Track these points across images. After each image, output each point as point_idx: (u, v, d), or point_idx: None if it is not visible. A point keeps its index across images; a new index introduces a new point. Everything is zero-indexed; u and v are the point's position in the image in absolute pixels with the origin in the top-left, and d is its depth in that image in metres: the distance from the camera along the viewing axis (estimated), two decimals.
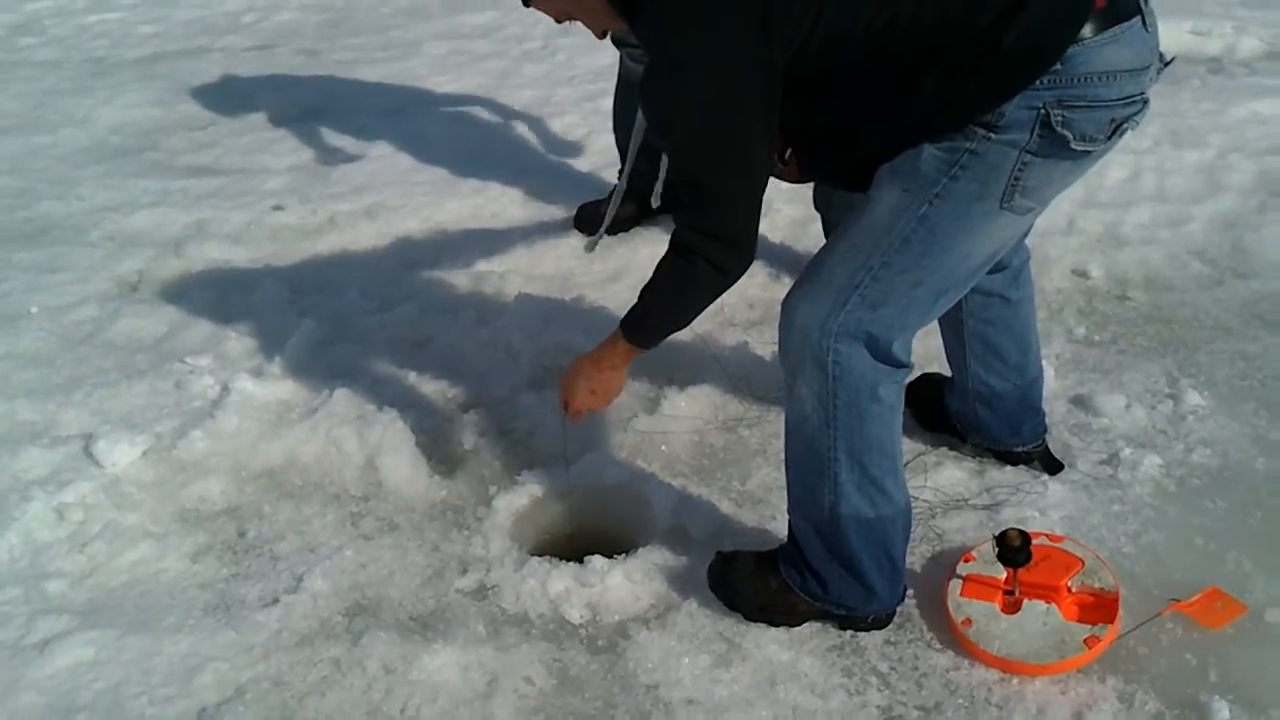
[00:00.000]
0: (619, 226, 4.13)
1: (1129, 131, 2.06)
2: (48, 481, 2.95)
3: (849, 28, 1.95)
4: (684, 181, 2.12)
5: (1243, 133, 4.69)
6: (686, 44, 1.97)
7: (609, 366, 2.47)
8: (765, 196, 2.14)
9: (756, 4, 1.92)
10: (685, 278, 2.20)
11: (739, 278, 2.19)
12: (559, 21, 2.30)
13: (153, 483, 2.98)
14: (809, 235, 3.93)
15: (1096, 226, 4.03)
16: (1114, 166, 4.30)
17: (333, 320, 3.66)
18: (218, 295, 3.85)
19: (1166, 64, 2.13)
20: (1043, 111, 1.96)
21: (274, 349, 3.46)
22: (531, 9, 2.29)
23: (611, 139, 4.25)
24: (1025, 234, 2.53)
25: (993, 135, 1.99)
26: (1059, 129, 1.97)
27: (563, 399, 2.57)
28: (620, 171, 4.19)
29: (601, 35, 2.31)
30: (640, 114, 2.40)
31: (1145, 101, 2.05)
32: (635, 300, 2.32)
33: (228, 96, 5.77)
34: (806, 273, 2.23)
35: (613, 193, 4.19)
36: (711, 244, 2.13)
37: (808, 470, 2.30)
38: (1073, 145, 1.99)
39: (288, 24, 7.11)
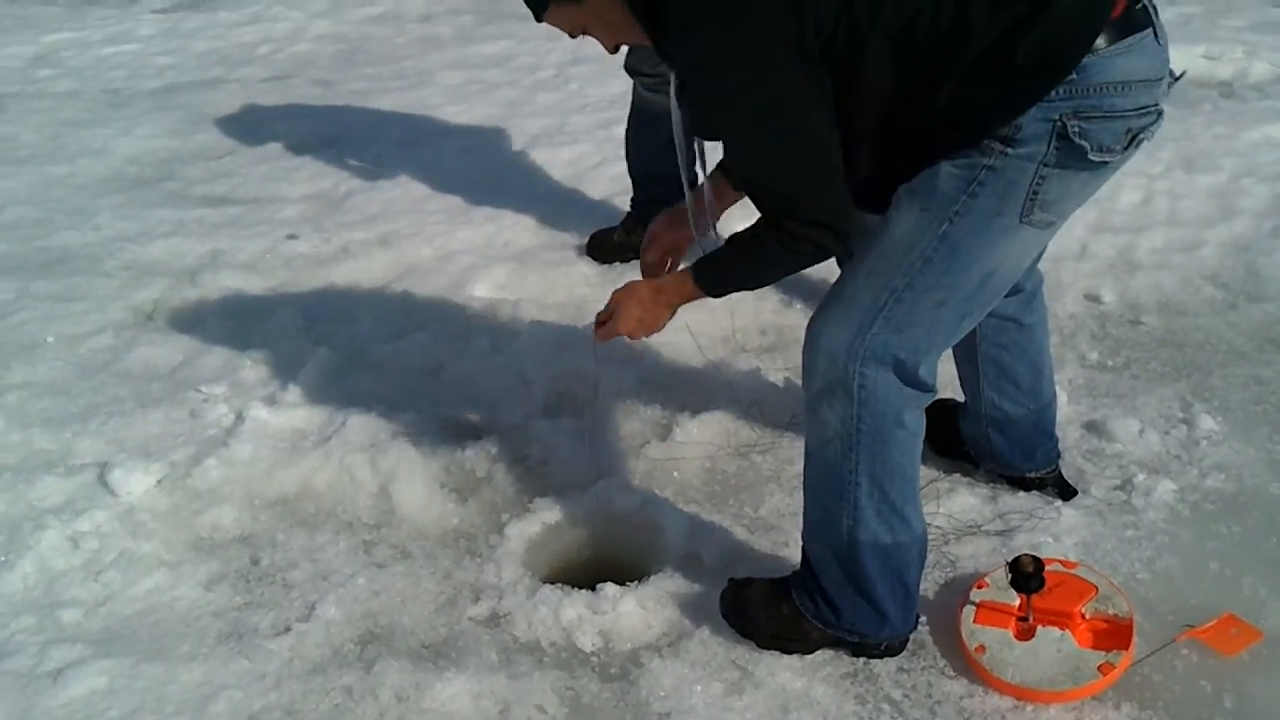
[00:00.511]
0: (632, 254, 4.14)
1: (1145, 142, 2.06)
2: (63, 510, 2.96)
3: (872, 20, 1.94)
4: (759, 186, 2.11)
5: (1255, 157, 4.69)
6: (717, 43, 1.96)
7: (666, 303, 2.41)
8: None
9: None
10: (787, 252, 2.14)
11: (838, 252, 2.17)
12: (573, 36, 2.28)
13: (167, 511, 2.99)
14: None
15: (1109, 251, 4.02)
16: (1126, 191, 4.30)
17: (347, 348, 3.67)
18: (232, 324, 3.87)
19: (1177, 78, 2.13)
20: (1059, 123, 1.96)
21: (288, 377, 3.47)
22: (544, 23, 2.26)
23: (624, 166, 4.27)
24: (1038, 258, 2.53)
25: (1010, 150, 1.99)
26: (1076, 140, 1.97)
27: (605, 315, 2.49)
28: (632, 200, 4.21)
29: (613, 50, 2.29)
30: (678, 137, 2.38)
31: (1160, 112, 2.06)
32: (721, 249, 2.26)
33: (243, 127, 5.82)
34: (829, 297, 2.23)
35: (626, 224, 4.21)
36: (817, 231, 2.09)
37: (828, 495, 2.30)
38: (1090, 156, 1.99)
39: (303, 55, 7.17)
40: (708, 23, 1.98)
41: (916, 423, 2.25)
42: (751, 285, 2.35)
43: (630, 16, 2.13)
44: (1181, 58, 5.66)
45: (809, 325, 2.23)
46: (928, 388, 2.22)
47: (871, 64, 1.99)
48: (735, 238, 2.22)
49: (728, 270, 2.28)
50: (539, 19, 2.23)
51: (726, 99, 2.04)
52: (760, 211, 2.15)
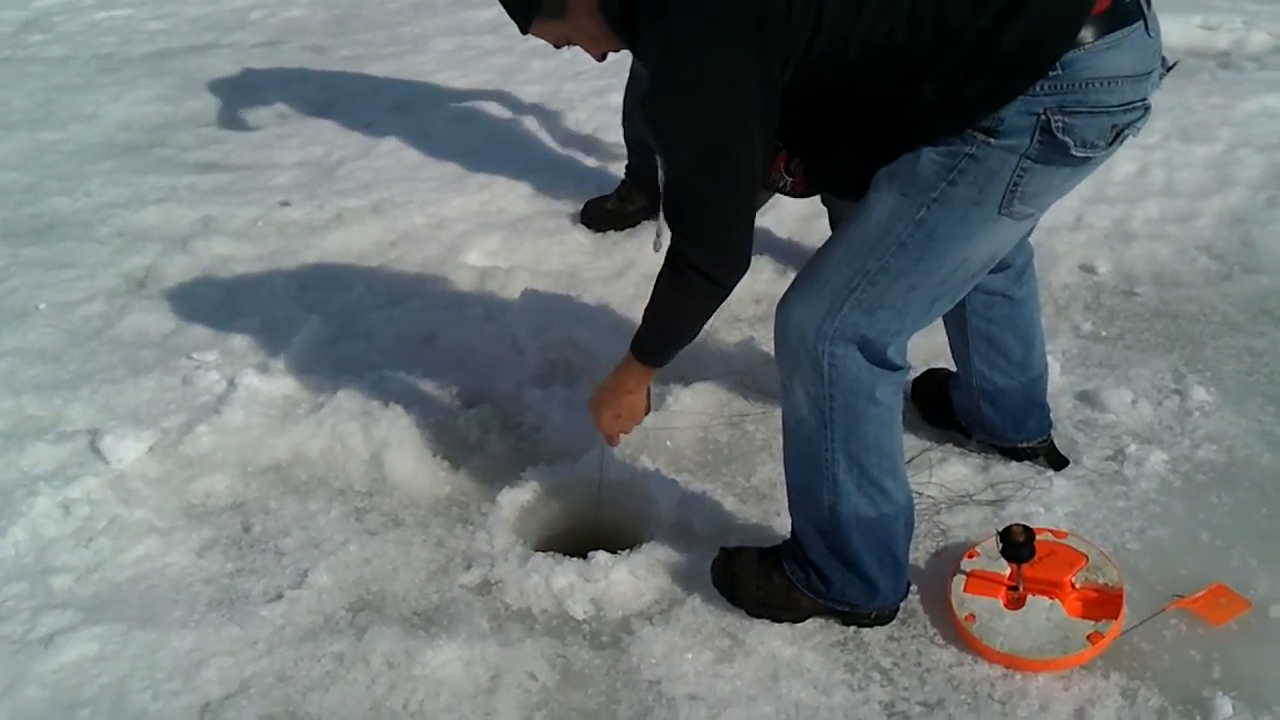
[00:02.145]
0: (626, 222, 4.14)
1: (1130, 138, 2.05)
2: (54, 476, 2.96)
3: (846, 42, 1.95)
4: (682, 194, 2.12)
5: (1252, 127, 4.67)
6: (686, 67, 1.97)
7: (626, 390, 2.46)
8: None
9: (752, 24, 1.92)
10: (680, 292, 2.19)
11: (734, 287, 2.18)
12: (558, 47, 2.28)
13: (158, 478, 2.99)
14: (815, 231, 3.92)
15: (1104, 222, 4.01)
16: (1122, 161, 4.28)
17: (339, 316, 3.66)
18: (225, 291, 3.87)
19: (1169, 69, 2.12)
20: (1043, 117, 1.94)
21: (280, 345, 3.46)
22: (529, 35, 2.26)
23: (619, 134, 4.25)
24: (1028, 233, 2.52)
25: (992, 140, 1.97)
26: (1059, 135, 1.95)
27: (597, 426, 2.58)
28: (627, 167, 4.19)
29: (601, 58, 2.29)
30: None
31: (1147, 108, 2.04)
32: (640, 322, 2.33)
33: (236, 93, 5.79)
34: (802, 275, 2.22)
35: (620, 192, 4.20)
36: (705, 256, 2.13)
37: (806, 471, 2.30)
38: (1073, 151, 1.98)
39: (295, 20, 7.12)
40: (672, 44, 1.99)
41: (891, 397, 2.24)
42: (675, 340, 2.34)
43: (610, 30, 2.14)
44: (1179, 27, 5.71)
45: (780, 303, 2.23)
46: (896, 367, 2.21)
47: (852, 72, 2.00)
48: (646, 307, 2.28)
49: (650, 338, 2.33)
50: (524, 31, 2.23)
51: (675, 116, 2.03)
52: (665, 217, 2.18)
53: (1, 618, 2.56)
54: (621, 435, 2.57)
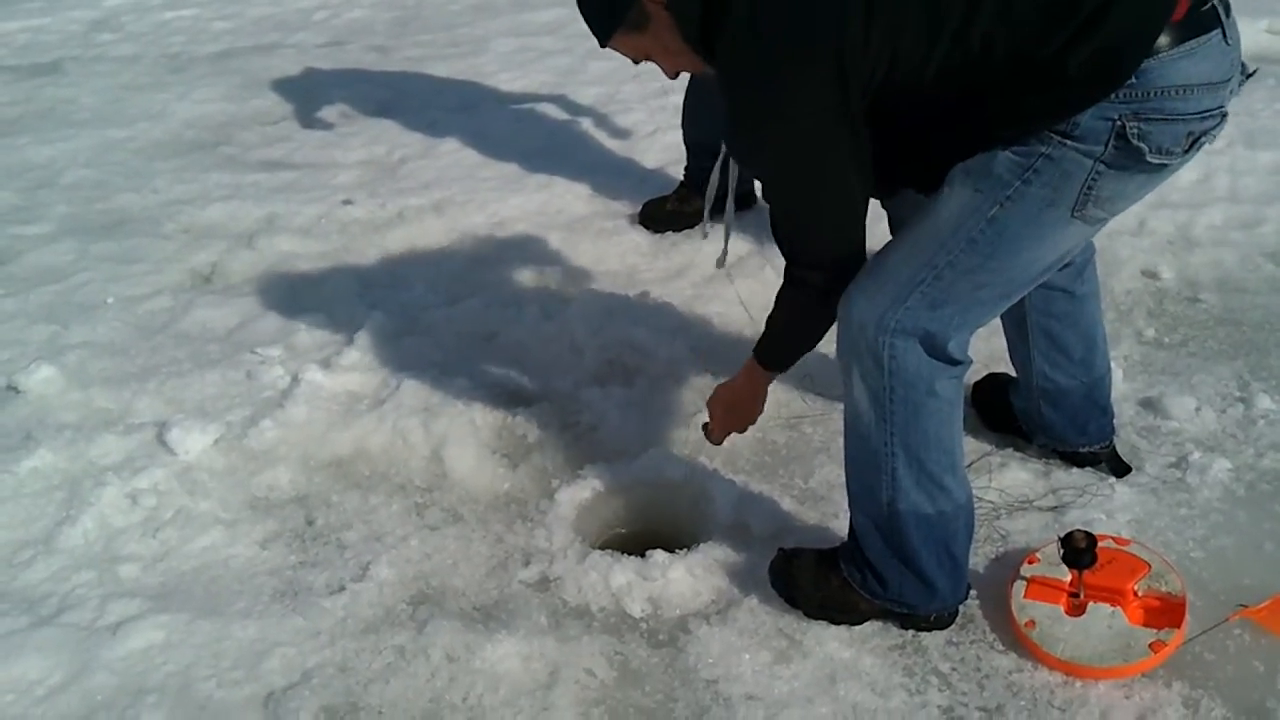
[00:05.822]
0: (684, 223, 4.14)
1: (1206, 145, 2.03)
2: (122, 467, 3.01)
3: (922, 68, 1.95)
4: (783, 222, 2.18)
5: None
6: (766, 101, 1.98)
7: (749, 394, 2.54)
8: None
9: (832, 56, 1.92)
10: (799, 307, 2.28)
11: None
12: (635, 62, 2.28)
13: (224, 470, 3.04)
14: (876, 232, 3.88)
15: (1168, 227, 3.97)
16: (1186, 167, 4.15)
17: (401, 313, 3.70)
18: (288, 288, 3.92)
19: (1248, 76, 2.09)
20: (1118, 123, 1.93)
21: (343, 341, 3.51)
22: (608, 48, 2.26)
23: (678, 135, 4.26)
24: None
25: (1068, 142, 1.97)
26: (1135, 141, 1.94)
27: (708, 424, 2.66)
28: (685, 169, 4.19)
29: (674, 75, 2.30)
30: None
31: (1224, 115, 2.02)
32: (764, 326, 2.40)
33: (299, 92, 5.86)
34: (867, 268, 2.22)
35: (679, 193, 4.21)
36: (818, 274, 2.19)
37: (865, 466, 2.30)
38: (1148, 158, 1.97)
39: (358, 21, 7.19)
40: (752, 76, 2.00)
41: (951, 392, 2.23)
42: (799, 348, 2.43)
43: (689, 48, 2.14)
44: (1245, 31, 5.56)
45: (843, 296, 2.22)
46: (957, 361, 2.21)
47: (923, 97, 2.01)
48: (769, 314, 2.37)
49: (774, 345, 2.42)
50: (604, 44, 2.21)
51: (761, 149, 2.08)
52: (775, 241, 2.26)
53: (71, 605, 2.62)
54: (734, 435, 2.66)
